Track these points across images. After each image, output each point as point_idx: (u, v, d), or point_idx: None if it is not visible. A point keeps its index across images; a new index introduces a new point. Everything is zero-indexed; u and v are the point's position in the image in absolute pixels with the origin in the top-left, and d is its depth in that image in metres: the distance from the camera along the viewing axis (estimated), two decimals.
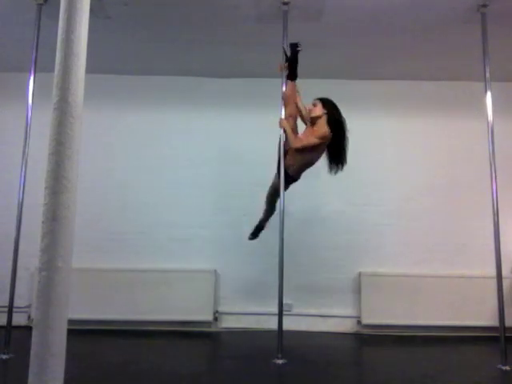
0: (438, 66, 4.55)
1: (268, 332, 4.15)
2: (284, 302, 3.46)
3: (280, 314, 3.39)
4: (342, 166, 3.48)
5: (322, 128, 3.30)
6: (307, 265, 4.58)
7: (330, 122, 3.32)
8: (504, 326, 3.31)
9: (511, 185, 4.43)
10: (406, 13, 3.58)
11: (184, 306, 4.38)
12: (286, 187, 3.44)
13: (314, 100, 3.44)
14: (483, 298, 4.24)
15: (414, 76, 4.77)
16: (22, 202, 3.45)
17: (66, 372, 1.55)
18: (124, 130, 4.84)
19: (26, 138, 3.49)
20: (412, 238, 4.67)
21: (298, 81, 4.36)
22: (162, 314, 4.38)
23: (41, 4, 3.46)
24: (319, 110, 3.36)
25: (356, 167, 4.74)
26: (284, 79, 3.52)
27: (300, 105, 3.52)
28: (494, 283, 3.43)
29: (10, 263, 3.42)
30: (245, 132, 4.75)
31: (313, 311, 4.54)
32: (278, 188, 3.41)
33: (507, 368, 3.23)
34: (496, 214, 3.43)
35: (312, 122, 3.42)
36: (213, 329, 4.48)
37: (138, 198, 4.72)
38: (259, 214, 4.62)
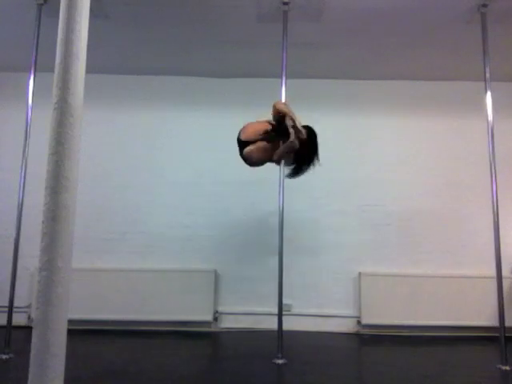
0: (438, 66, 4.55)
1: (268, 332, 4.15)
2: (284, 302, 3.46)
3: (280, 314, 3.40)
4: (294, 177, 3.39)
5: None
6: (307, 265, 4.58)
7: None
8: (504, 326, 3.31)
9: (511, 185, 4.44)
10: (405, 13, 3.58)
11: (184, 306, 4.38)
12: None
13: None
14: (483, 298, 4.24)
15: (413, 76, 4.77)
16: (22, 202, 3.45)
17: (66, 372, 1.55)
18: (124, 130, 4.84)
19: (26, 138, 3.49)
20: (412, 238, 4.67)
21: (299, 80, 4.38)
22: (162, 313, 4.38)
23: (41, 4, 3.46)
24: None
25: (356, 167, 4.77)
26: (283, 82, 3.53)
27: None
28: (494, 283, 3.43)
29: (9, 263, 3.42)
30: None
31: (313, 311, 4.54)
32: None
33: (507, 368, 3.23)
34: (496, 214, 3.43)
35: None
36: (213, 329, 4.48)
37: (138, 198, 4.72)
38: (259, 214, 4.64)
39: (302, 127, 3.22)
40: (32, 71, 3.52)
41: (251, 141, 3.23)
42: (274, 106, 3.28)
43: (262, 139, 3.22)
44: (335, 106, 4.77)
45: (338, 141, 4.61)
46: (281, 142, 3.23)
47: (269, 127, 3.26)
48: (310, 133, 3.28)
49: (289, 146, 3.19)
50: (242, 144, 3.26)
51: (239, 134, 3.28)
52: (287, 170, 3.38)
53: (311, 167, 3.29)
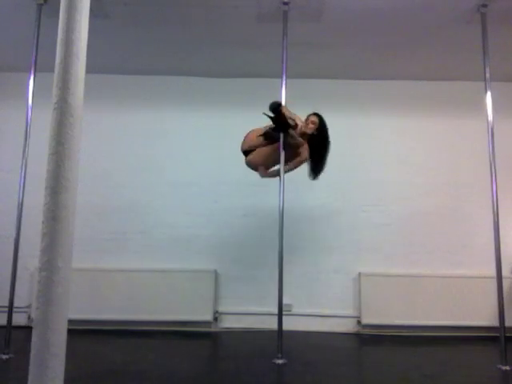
0: (437, 66, 4.55)
1: (268, 332, 4.15)
2: (284, 302, 3.46)
3: (280, 314, 3.39)
4: (319, 174, 3.57)
5: (305, 153, 3.46)
6: (307, 265, 4.58)
7: (315, 138, 3.47)
8: (504, 326, 3.31)
9: (511, 185, 4.44)
10: (406, 13, 3.58)
11: (184, 306, 4.39)
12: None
13: (311, 116, 3.52)
14: (483, 298, 4.24)
15: (414, 76, 4.77)
16: (22, 202, 3.45)
17: (66, 372, 1.55)
18: (124, 130, 4.84)
19: (26, 138, 3.49)
20: (412, 237, 4.67)
21: (299, 80, 4.38)
22: (162, 313, 4.38)
23: (41, 4, 3.46)
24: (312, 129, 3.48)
25: (356, 167, 4.77)
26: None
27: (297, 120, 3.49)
28: (494, 283, 3.43)
29: (9, 263, 3.42)
30: (244, 132, 4.75)
31: (313, 311, 4.54)
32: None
33: (507, 368, 3.23)
34: (496, 214, 3.43)
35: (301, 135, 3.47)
36: (213, 329, 4.48)
37: (138, 198, 4.72)
38: (259, 214, 4.65)
39: (313, 115, 3.49)
40: (32, 71, 3.52)
41: (252, 149, 3.48)
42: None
43: (260, 144, 3.45)
44: (335, 105, 4.76)
45: (338, 141, 4.60)
46: (277, 143, 3.40)
47: (267, 128, 3.43)
48: (320, 122, 3.49)
49: (298, 162, 3.46)
50: (246, 154, 3.51)
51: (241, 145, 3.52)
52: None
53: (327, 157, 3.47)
